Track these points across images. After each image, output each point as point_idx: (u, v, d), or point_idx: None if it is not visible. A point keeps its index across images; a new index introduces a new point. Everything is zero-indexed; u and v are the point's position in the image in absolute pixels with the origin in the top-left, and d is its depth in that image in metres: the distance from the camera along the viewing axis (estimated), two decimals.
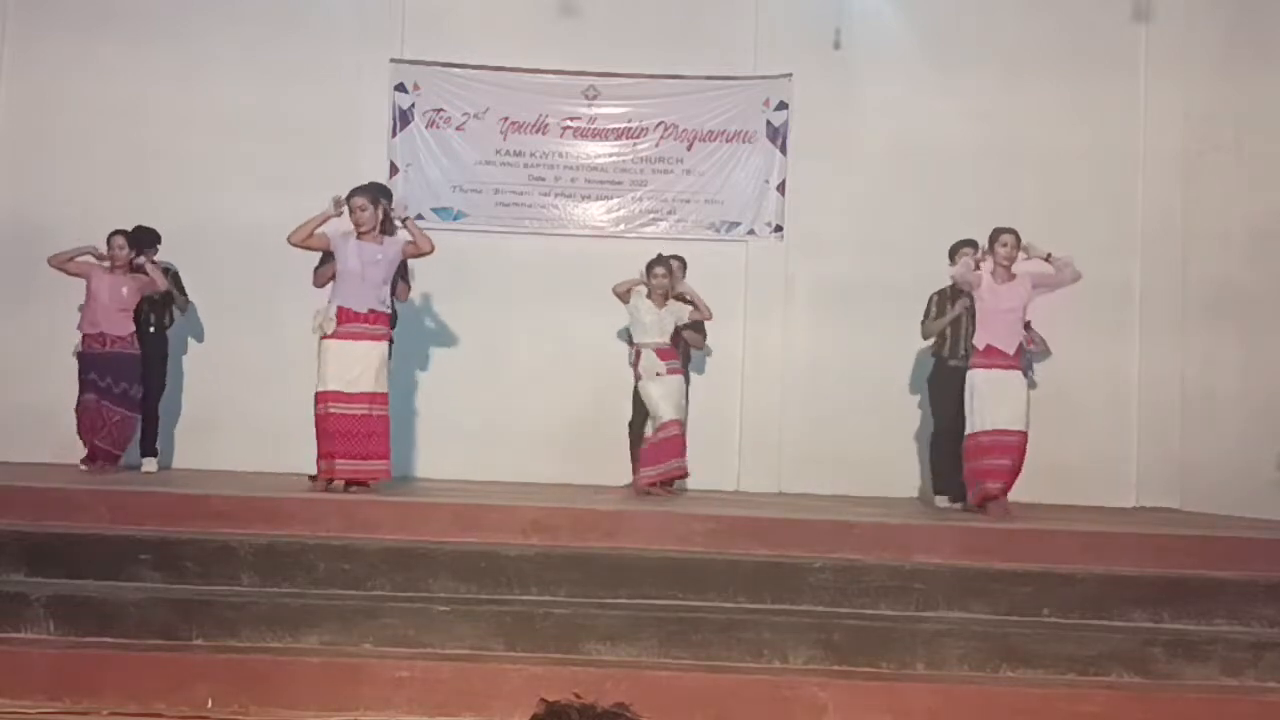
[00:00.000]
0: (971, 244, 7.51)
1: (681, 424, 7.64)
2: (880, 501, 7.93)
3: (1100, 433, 8.86)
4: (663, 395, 7.54)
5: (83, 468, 7.41)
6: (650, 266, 7.65)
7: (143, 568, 5.22)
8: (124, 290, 7.54)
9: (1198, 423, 8.68)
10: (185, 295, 8.09)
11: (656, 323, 7.60)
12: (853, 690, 4.72)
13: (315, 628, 4.90)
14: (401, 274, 7.20)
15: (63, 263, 7.54)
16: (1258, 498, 7.71)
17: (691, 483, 8.08)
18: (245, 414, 8.44)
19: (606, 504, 6.53)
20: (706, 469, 8.45)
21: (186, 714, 4.50)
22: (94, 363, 7.47)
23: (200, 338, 8.73)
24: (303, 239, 6.57)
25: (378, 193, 6.78)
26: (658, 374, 7.55)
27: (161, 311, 7.91)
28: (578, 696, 2.08)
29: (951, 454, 7.35)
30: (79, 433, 7.48)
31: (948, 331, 7.63)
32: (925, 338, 7.83)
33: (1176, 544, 5.98)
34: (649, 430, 7.65)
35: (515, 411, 8.74)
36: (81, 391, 7.47)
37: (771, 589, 5.30)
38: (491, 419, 8.70)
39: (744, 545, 5.64)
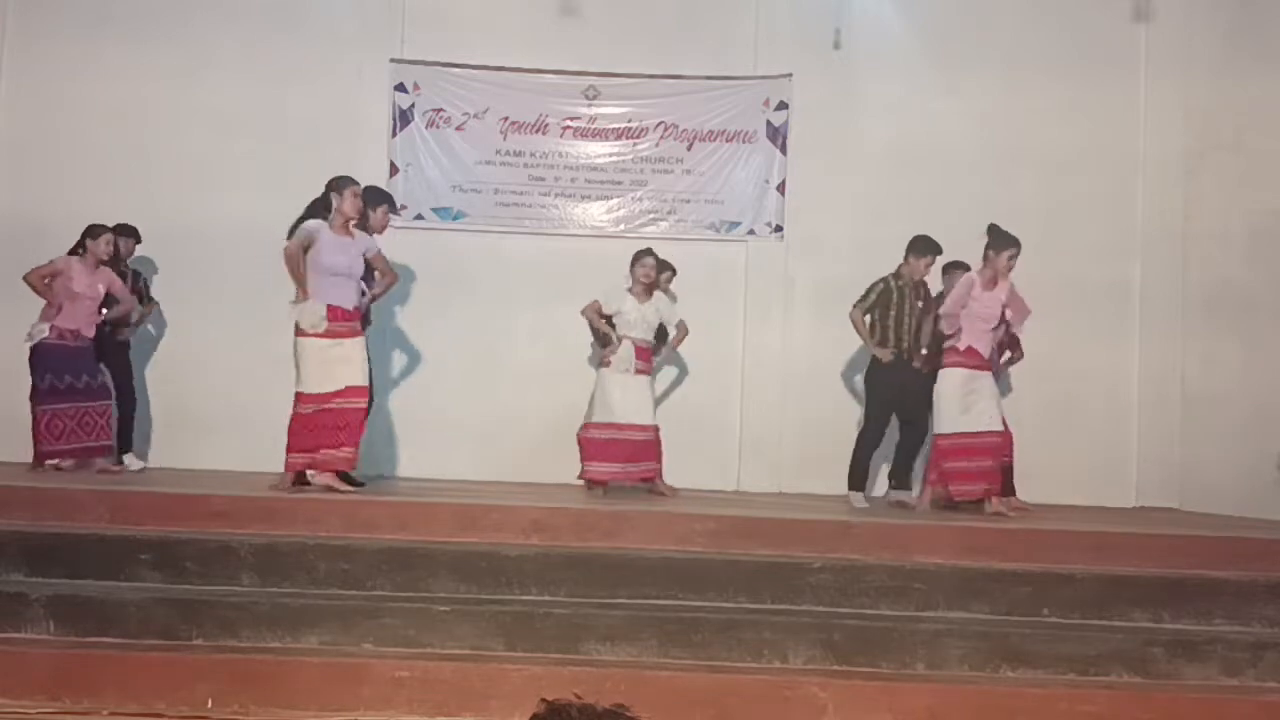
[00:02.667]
0: (962, 266, 7.54)
1: (656, 428, 7.57)
2: (880, 502, 7.93)
3: (1100, 433, 8.86)
4: (628, 393, 7.48)
5: (50, 464, 7.33)
6: (639, 257, 7.66)
7: (143, 568, 5.23)
8: (100, 287, 7.55)
9: (1198, 423, 8.68)
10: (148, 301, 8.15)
11: (640, 319, 7.58)
12: (853, 690, 4.72)
13: (315, 628, 4.90)
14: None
15: (39, 279, 7.45)
16: (1258, 498, 7.72)
17: (691, 483, 8.07)
18: (244, 414, 8.41)
19: (606, 504, 6.53)
20: (706, 469, 8.45)
21: (186, 714, 4.51)
22: (60, 358, 7.38)
23: (199, 337, 8.71)
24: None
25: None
26: (624, 370, 7.49)
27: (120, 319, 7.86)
28: (578, 696, 2.08)
29: (868, 450, 7.48)
30: (41, 437, 7.34)
31: (890, 329, 7.50)
32: (852, 318, 7.59)
33: (1176, 544, 5.98)
34: (596, 419, 7.51)
35: (515, 411, 8.74)
36: (48, 397, 7.34)
37: (771, 589, 5.30)
38: (491, 419, 8.69)
39: (744, 545, 5.64)
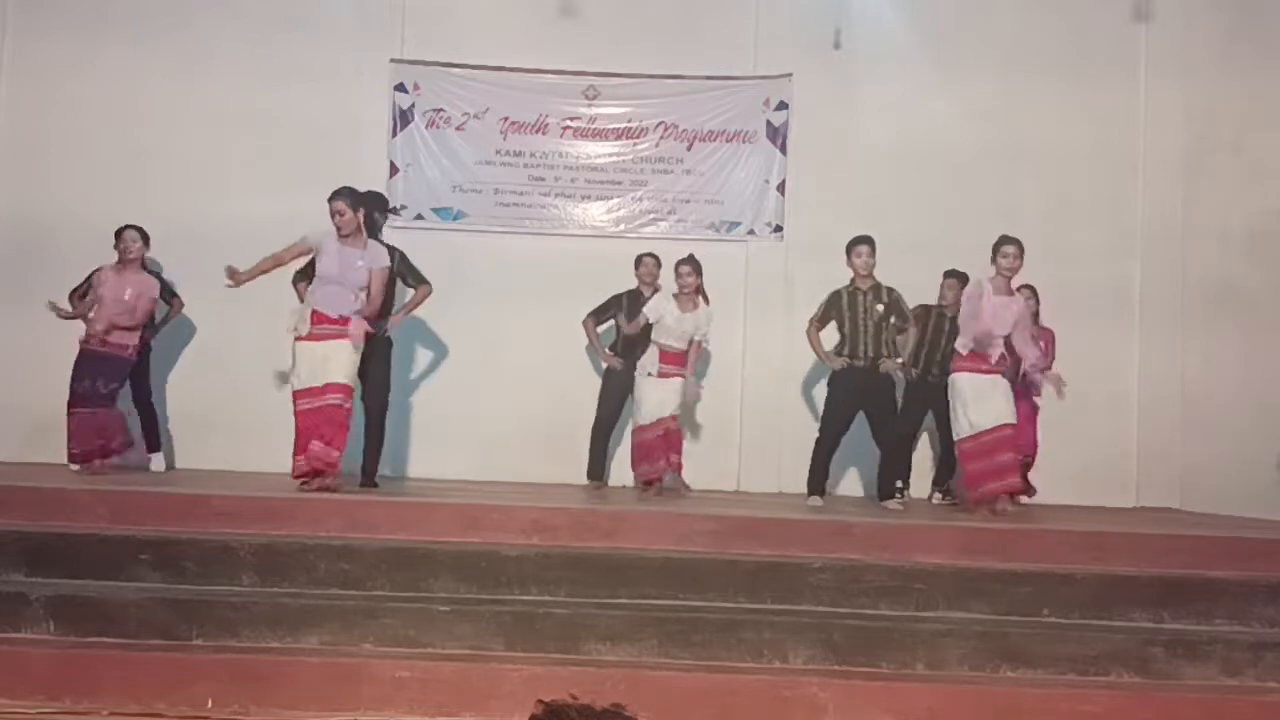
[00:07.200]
0: (958, 275, 7.53)
1: (662, 421, 7.55)
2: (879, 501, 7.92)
3: (1100, 433, 8.85)
4: (648, 396, 7.53)
5: (74, 468, 7.37)
6: (676, 266, 7.63)
7: (143, 568, 5.22)
8: (127, 293, 7.47)
9: (1198, 422, 8.68)
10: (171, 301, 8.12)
11: (676, 327, 7.56)
12: (853, 690, 4.72)
13: (315, 628, 4.90)
14: (411, 277, 7.24)
15: (80, 312, 7.57)
16: (1258, 498, 7.71)
17: (692, 482, 8.07)
18: (244, 414, 8.42)
19: (606, 504, 6.53)
20: (706, 469, 8.45)
21: (186, 714, 4.51)
22: (88, 362, 7.41)
23: (199, 337, 8.72)
24: (262, 270, 6.66)
25: (358, 197, 6.68)
26: (649, 374, 7.54)
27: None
28: (574, 697, 2.08)
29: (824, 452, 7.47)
30: (70, 438, 7.40)
31: (847, 336, 7.40)
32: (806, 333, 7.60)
33: (1176, 544, 5.97)
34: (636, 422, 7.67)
35: (515, 411, 8.74)
36: (72, 400, 7.39)
37: (771, 589, 5.30)
38: (491, 419, 8.69)
39: (744, 545, 5.63)
